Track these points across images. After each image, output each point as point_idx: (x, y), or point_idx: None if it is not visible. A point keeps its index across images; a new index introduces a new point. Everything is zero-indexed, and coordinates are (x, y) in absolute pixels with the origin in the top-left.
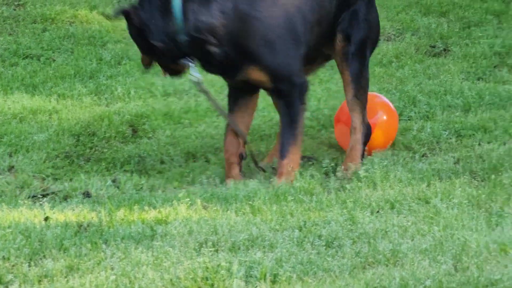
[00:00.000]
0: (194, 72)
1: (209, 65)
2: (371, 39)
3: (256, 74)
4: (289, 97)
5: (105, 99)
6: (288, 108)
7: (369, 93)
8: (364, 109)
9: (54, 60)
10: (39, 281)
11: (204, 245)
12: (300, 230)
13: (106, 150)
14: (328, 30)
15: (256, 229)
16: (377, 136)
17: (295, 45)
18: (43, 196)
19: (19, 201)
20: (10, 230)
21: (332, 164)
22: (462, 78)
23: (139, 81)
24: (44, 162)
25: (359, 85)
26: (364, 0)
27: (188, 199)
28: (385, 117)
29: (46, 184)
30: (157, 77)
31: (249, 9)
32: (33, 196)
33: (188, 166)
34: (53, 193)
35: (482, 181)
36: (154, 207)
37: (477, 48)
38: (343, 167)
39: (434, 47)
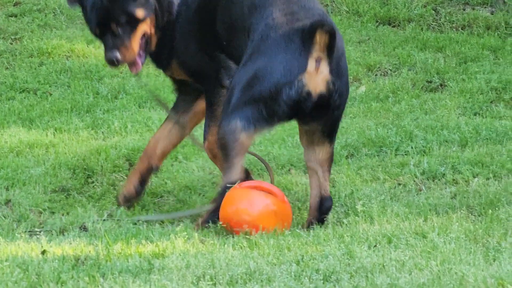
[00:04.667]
0: None
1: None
2: None
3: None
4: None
5: (102, 133)
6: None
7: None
8: None
9: (50, 94)
10: None
11: (201, 279)
12: (298, 264)
13: (103, 184)
14: None
15: (253, 263)
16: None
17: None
18: (40, 230)
19: (16, 234)
20: (8, 264)
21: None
22: (459, 113)
23: (136, 115)
24: (41, 195)
25: None
26: None
27: (185, 233)
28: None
29: (43, 218)
30: (154, 111)
31: None
32: (30, 230)
33: (185, 199)
34: (50, 227)
35: (479, 215)
36: (151, 241)
37: (473, 83)
38: None
39: (430, 82)
